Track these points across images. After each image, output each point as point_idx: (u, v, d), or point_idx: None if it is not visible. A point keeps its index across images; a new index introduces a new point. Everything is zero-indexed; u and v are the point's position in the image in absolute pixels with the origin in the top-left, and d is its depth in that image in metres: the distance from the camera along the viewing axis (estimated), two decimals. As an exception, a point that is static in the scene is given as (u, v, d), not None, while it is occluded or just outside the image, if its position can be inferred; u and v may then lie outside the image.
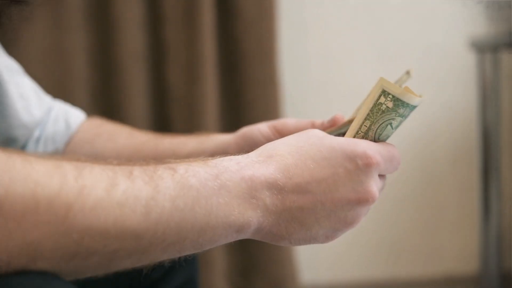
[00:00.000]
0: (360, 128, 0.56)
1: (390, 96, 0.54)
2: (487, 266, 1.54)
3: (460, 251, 1.87)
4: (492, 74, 1.49)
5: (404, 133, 1.82)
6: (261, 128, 0.75)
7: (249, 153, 0.54)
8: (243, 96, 1.66)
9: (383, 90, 0.54)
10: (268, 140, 0.72)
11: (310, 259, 1.84)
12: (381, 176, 0.56)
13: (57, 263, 0.42)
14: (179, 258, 0.50)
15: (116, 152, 0.85)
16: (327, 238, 0.55)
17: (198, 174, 0.49)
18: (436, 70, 1.82)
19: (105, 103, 1.62)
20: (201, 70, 1.60)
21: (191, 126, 1.61)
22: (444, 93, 1.82)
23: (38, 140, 0.89)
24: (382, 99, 0.54)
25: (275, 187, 0.51)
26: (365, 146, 0.54)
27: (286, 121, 0.75)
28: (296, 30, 1.78)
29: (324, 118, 0.72)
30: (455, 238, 1.87)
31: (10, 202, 0.39)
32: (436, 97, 1.82)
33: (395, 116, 0.55)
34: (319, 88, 1.80)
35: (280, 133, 0.74)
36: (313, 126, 0.71)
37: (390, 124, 0.56)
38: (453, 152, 1.84)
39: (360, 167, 0.53)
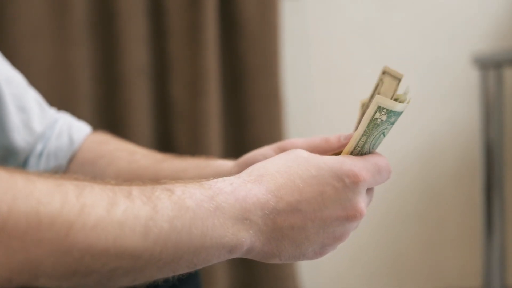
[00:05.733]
0: (357, 144, 0.58)
1: (385, 110, 0.56)
2: (490, 282, 1.53)
3: (463, 267, 1.87)
4: (495, 91, 1.49)
5: (407, 149, 1.83)
6: (265, 152, 0.74)
7: (240, 173, 0.55)
8: (246, 111, 1.66)
9: (378, 106, 0.56)
10: None
11: (312, 274, 1.84)
12: (369, 189, 0.59)
13: (58, 280, 0.42)
14: (180, 275, 0.51)
15: (116, 176, 0.84)
16: (316, 254, 0.57)
17: (194, 196, 0.50)
18: (439, 86, 1.82)
19: (108, 118, 1.63)
20: (204, 85, 1.60)
21: (194, 141, 1.61)
22: (447, 110, 1.82)
23: (40, 155, 0.88)
24: (378, 115, 0.57)
25: (267, 207, 0.52)
26: (351, 164, 0.56)
27: (294, 141, 0.73)
28: (300, 45, 1.79)
29: (327, 134, 0.71)
30: (458, 254, 1.87)
31: (13, 220, 0.40)
32: (439, 113, 1.82)
33: (388, 125, 0.58)
34: (322, 104, 1.80)
35: None
36: (327, 143, 0.70)
37: (383, 133, 0.58)
38: (456, 168, 1.83)
39: (348, 184, 0.55)
